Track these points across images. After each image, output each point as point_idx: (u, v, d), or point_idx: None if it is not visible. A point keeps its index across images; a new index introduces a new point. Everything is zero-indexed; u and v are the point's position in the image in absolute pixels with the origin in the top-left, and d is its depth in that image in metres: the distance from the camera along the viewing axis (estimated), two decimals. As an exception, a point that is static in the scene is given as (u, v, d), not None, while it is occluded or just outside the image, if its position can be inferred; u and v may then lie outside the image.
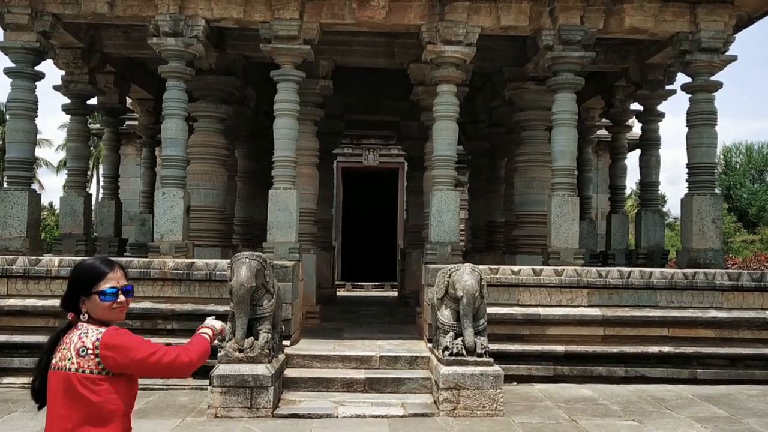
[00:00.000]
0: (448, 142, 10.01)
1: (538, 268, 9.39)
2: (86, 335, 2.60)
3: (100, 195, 13.85)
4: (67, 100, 12.25)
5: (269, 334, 7.82)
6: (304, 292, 11.26)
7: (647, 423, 7.19)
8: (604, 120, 16.80)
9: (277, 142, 9.99)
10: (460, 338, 7.85)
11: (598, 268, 9.54)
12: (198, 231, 11.56)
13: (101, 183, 13.77)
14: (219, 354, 7.67)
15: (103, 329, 2.63)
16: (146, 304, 8.99)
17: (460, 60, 10.03)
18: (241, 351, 7.64)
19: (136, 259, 9.18)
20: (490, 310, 8.67)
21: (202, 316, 9.01)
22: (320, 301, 15.72)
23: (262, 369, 7.54)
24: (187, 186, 11.60)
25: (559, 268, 9.40)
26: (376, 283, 22.75)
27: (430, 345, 8.80)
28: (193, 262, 9.13)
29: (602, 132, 17.25)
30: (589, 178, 15.36)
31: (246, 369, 7.50)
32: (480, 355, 7.77)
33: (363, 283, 22.62)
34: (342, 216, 23.54)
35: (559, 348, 9.14)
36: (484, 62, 11.90)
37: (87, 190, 12.28)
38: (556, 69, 10.13)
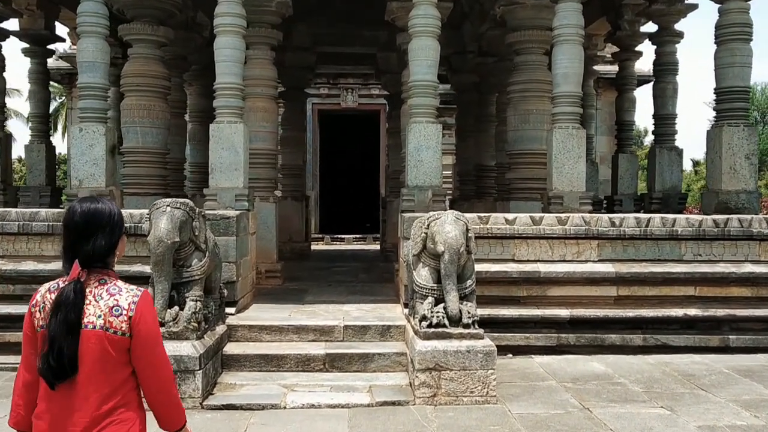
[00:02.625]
0: (428, 64, 8.21)
1: (537, 215, 7.71)
2: (119, 293, 2.33)
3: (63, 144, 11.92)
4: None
5: (198, 303, 6.14)
6: (261, 248, 9.60)
7: (680, 411, 5.61)
8: (606, 51, 15.07)
9: (219, 65, 8.17)
10: (442, 305, 6.20)
11: (611, 216, 7.86)
12: (134, 177, 9.83)
13: (29, 124, 11.87)
14: (132, 329, 5.99)
15: (134, 288, 2.37)
16: (51, 265, 7.27)
17: (442, -38, 8.18)
18: (161, 324, 5.96)
19: (43, 211, 7.44)
20: (479, 267, 7.04)
21: (125, 279, 7.39)
22: (290, 257, 14.13)
23: (187, 348, 5.89)
24: (122, 124, 9.89)
25: (562, 215, 7.72)
26: (358, 236, 21.06)
27: (406, 311, 7.17)
28: (114, 213, 7.38)
29: (600, 67, 15.45)
30: (591, 114, 13.64)
31: (167, 348, 5.82)
32: (466, 326, 6.12)
33: (343, 236, 20.92)
34: (320, 162, 21.69)
35: (564, 312, 7.52)
36: (472, -27, 10.04)
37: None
38: (559, -27, 8.30)
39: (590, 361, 7.24)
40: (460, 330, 6.07)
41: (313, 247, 17.67)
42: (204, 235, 6.37)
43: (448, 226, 6.22)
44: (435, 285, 6.32)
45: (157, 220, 6.04)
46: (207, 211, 7.20)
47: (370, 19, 13.88)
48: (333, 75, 20.32)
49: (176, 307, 6.04)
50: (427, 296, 6.31)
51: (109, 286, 2.33)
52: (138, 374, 2.37)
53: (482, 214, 7.67)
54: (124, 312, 2.29)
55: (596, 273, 7.57)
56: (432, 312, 6.13)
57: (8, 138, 10.49)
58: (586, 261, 7.65)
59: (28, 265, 7.31)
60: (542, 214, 7.77)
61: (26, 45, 11.64)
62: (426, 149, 8.12)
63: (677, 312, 7.57)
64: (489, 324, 7.17)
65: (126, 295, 2.33)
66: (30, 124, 11.72)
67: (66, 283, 2.27)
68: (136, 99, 9.77)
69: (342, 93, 20.79)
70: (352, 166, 23.02)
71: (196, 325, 6.02)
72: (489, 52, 13.17)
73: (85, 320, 2.26)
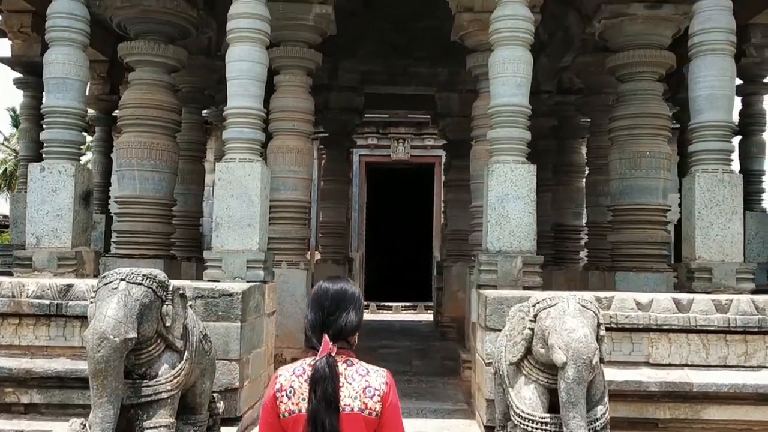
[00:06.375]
0: (516, 82, 5.93)
1: (683, 297, 5.23)
2: (368, 374, 2.31)
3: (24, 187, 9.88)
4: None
5: (165, 437, 3.87)
6: (287, 329, 7.42)
7: None
8: None
9: (231, 84, 6.01)
10: (561, 450, 3.75)
11: (794, 299, 5.32)
12: (128, 234, 7.71)
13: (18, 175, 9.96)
14: (50, 484, 3.67)
15: (377, 368, 2.35)
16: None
17: (536, -55, 6.00)
18: (99, 478, 3.63)
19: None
20: (600, 375, 4.58)
21: (82, 381, 4.81)
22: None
23: None
24: (116, 166, 7.85)
25: (722, 297, 5.23)
26: (407, 304, 18.61)
27: (489, 438, 4.72)
28: (70, 286, 5.15)
29: None
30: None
31: None
32: (604, 491, 3.65)
33: (391, 304, 18.48)
34: (366, 220, 19.43)
35: (729, 446, 4.97)
36: (564, -23, 7.85)
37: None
38: (698, -40, 6.02)
39: None
40: (595, 500, 3.59)
41: (357, 316, 15.30)
42: (181, 324, 4.07)
43: (571, 321, 3.81)
44: (548, 416, 3.88)
45: (104, 303, 3.77)
46: (195, 285, 4.92)
47: (427, 54, 11.89)
48: (382, 124, 18.26)
49: (126, 446, 3.71)
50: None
51: (357, 367, 2.31)
52: None
53: (601, 294, 5.22)
54: (377, 393, 2.27)
55: (777, 386, 5.02)
56: (547, 466, 3.67)
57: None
58: (760, 368, 5.12)
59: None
60: (690, 296, 5.28)
61: (19, 75, 9.78)
62: (515, 200, 5.79)
63: None
64: (614, 461, 4.69)
65: (375, 375, 2.31)
66: (19, 170, 9.79)
67: (318, 358, 2.25)
68: (135, 135, 7.71)
69: (392, 144, 18.62)
70: (402, 226, 20.70)
71: (157, 477, 3.72)
72: (571, 89, 10.98)
73: (342, 403, 2.24)
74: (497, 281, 5.71)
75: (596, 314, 3.99)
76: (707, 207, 5.82)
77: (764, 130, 9.77)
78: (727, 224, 5.82)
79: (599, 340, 3.97)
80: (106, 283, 3.86)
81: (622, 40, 7.78)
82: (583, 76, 9.66)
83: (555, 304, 3.96)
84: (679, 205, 9.92)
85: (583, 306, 3.95)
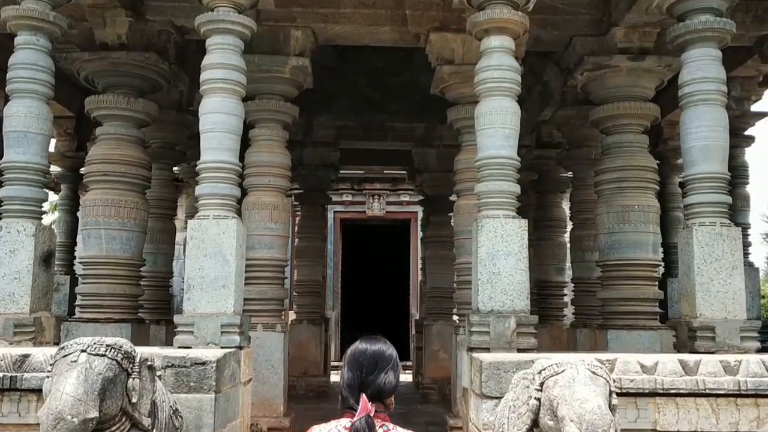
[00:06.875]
0: (504, 134, 5.72)
1: (689, 359, 4.92)
2: None
3: None
4: None
5: None
6: (263, 396, 6.93)
7: None
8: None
9: (205, 138, 5.68)
10: None
11: (804, 358, 5.05)
12: (93, 297, 7.24)
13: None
14: None
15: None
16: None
17: (521, -5, 5.84)
18: None
19: None
20: (606, 445, 4.21)
21: None
22: (305, 395, 11.39)
23: None
24: (82, 225, 7.45)
25: (730, 358, 4.94)
26: (384, 364, 18.07)
27: None
28: (26, 356, 4.68)
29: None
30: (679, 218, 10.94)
31: None
32: None
33: (368, 364, 17.93)
34: (341, 278, 19.00)
35: None
36: (546, 31, 7.73)
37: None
38: (684, 10, 5.91)
39: None
40: None
41: (333, 377, 14.79)
42: (149, 400, 3.65)
43: (582, 389, 3.46)
44: (560, 498, 3.49)
45: (61, 378, 3.35)
46: (165, 353, 4.50)
47: (403, 109, 11.73)
48: (357, 180, 18.04)
49: None
50: None
51: None
52: None
53: (603, 356, 4.88)
54: None
55: (792, 454, 4.70)
56: None
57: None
58: (773, 433, 4.80)
59: None
60: (697, 357, 4.98)
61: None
62: (505, 256, 5.51)
63: None
64: None
65: None
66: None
67: (357, 419, 2.21)
68: (102, 192, 7.31)
69: (368, 200, 18.37)
70: (378, 283, 20.29)
71: None
72: (551, 143, 10.87)
73: None
74: (490, 343, 5.37)
75: (608, 381, 3.65)
76: (707, 262, 5.57)
77: (748, 183, 9.68)
78: (728, 280, 5.56)
79: (612, 409, 3.63)
80: (65, 355, 3.44)
81: (605, 93, 7.66)
82: (565, 130, 9.53)
83: (563, 371, 3.61)
84: (663, 260, 9.80)
85: (594, 372, 3.61)
